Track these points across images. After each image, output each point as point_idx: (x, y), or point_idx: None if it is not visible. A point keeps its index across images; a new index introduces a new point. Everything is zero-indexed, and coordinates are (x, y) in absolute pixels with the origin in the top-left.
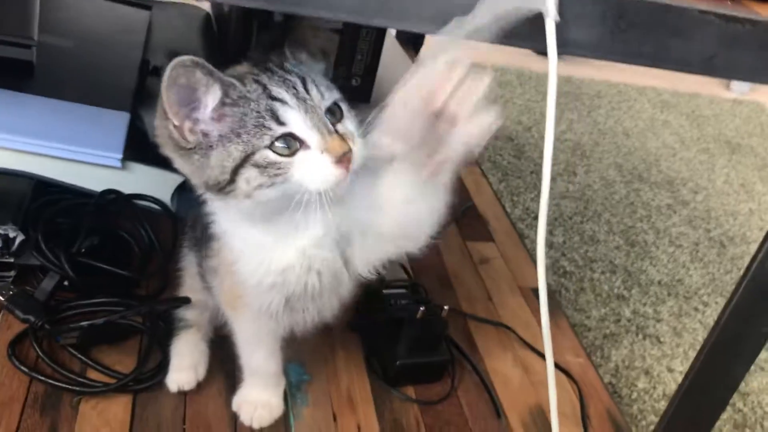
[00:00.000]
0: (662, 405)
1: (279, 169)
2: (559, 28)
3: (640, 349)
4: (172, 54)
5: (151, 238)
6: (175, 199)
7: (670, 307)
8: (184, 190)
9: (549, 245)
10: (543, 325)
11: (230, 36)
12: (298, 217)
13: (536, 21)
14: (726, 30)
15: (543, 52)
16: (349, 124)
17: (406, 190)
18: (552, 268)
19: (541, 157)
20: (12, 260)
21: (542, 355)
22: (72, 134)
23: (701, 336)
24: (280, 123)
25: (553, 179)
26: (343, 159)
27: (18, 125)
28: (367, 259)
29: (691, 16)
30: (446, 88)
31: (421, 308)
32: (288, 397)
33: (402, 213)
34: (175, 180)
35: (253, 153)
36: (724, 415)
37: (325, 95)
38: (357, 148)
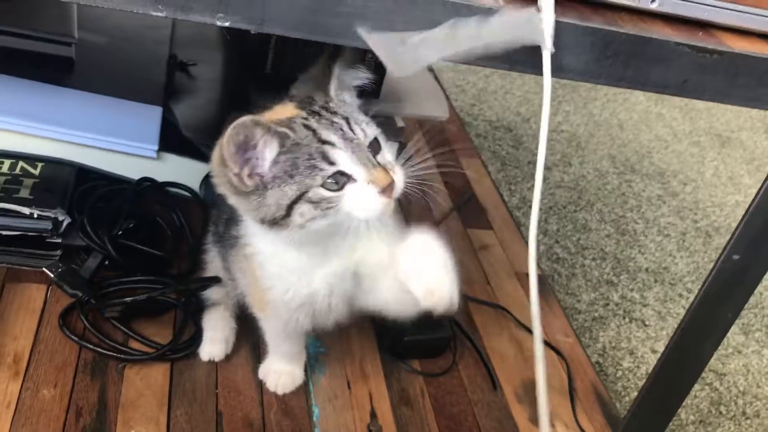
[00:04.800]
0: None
1: (330, 203)
2: (554, 56)
3: (626, 332)
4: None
5: (182, 222)
6: (203, 187)
7: (656, 293)
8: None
9: (543, 232)
10: (532, 302)
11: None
12: (331, 245)
13: (533, 50)
14: (697, 59)
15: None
16: (388, 155)
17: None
18: (546, 254)
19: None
20: (59, 240)
21: None
22: (111, 127)
23: None
24: (330, 163)
25: (548, 169)
26: (387, 188)
27: (62, 118)
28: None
29: (668, 47)
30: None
31: None
32: (307, 367)
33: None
34: (203, 169)
35: (306, 191)
36: (702, 393)
37: (367, 132)
38: (398, 177)
